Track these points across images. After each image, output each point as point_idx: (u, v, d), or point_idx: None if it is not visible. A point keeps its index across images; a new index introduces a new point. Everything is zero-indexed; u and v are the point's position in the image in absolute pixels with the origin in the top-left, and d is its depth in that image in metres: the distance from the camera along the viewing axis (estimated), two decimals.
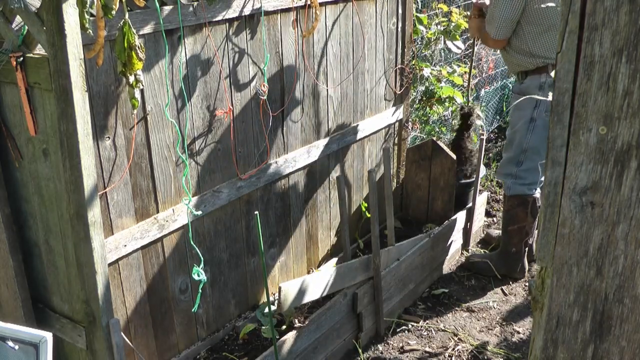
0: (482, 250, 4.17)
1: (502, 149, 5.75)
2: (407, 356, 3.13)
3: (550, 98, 2.97)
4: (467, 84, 4.45)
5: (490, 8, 3.50)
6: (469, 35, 4.20)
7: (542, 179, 3.57)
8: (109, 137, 2.33)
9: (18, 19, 2.04)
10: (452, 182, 4.13)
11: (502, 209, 4.78)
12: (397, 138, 4.20)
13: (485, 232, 4.36)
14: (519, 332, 3.35)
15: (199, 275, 2.75)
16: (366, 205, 3.95)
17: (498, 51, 6.39)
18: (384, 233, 3.66)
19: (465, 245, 4.11)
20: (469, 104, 4.37)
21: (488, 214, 4.66)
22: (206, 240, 2.89)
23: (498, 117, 6.38)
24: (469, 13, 4.25)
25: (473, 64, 4.53)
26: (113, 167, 2.37)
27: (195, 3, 2.52)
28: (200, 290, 2.84)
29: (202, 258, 2.85)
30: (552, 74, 3.46)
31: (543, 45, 3.40)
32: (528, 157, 3.58)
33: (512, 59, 3.57)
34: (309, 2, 3.04)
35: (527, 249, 3.82)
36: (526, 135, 3.56)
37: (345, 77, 3.52)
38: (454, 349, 3.18)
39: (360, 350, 3.09)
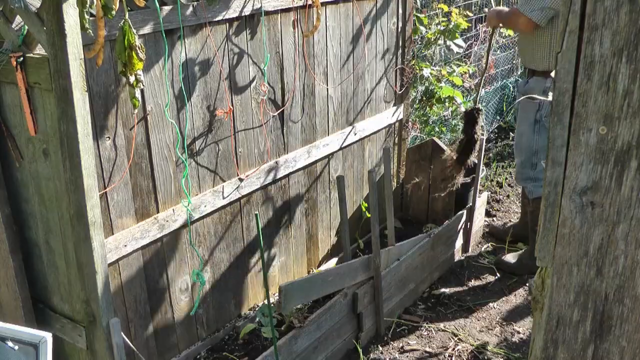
0: (497, 248, 4.18)
1: (502, 149, 5.77)
2: (407, 356, 3.13)
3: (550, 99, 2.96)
4: (477, 82, 4.26)
5: None
6: (486, 27, 4.00)
7: None
8: (109, 137, 2.33)
9: (18, 19, 2.04)
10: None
11: (501, 209, 4.78)
12: (397, 138, 4.20)
13: (490, 226, 4.39)
14: (519, 332, 3.35)
15: (198, 277, 2.76)
16: (366, 205, 3.95)
17: (499, 50, 6.39)
18: (384, 233, 3.66)
19: (465, 245, 4.11)
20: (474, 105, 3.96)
21: (488, 214, 4.66)
22: (206, 240, 2.89)
23: (498, 117, 6.38)
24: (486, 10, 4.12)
25: (473, 64, 4.53)
26: (113, 167, 2.37)
27: (195, 3, 2.52)
28: (199, 293, 2.84)
29: (201, 259, 2.85)
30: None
31: None
32: (540, 158, 3.58)
33: (530, 51, 3.53)
34: (309, 2, 3.04)
35: None
36: (533, 137, 3.57)
37: (346, 77, 3.52)
38: (454, 349, 3.18)
39: (360, 350, 3.09)
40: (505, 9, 3.73)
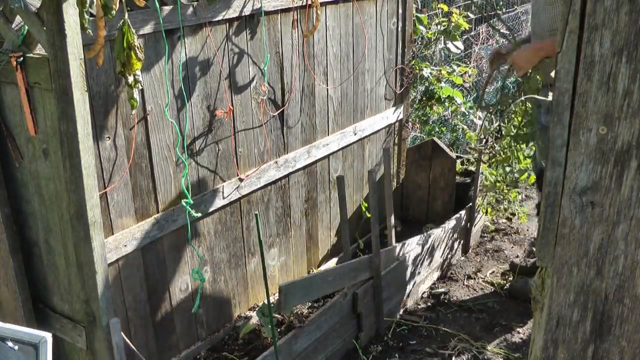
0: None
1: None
2: (407, 356, 3.13)
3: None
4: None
5: (553, 21, 2.92)
6: (517, 73, 3.22)
7: None
8: (109, 137, 2.33)
9: (18, 19, 2.03)
10: (452, 182, 4.13)
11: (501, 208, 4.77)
12: (397, 138, 4.20)
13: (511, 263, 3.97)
14: (519, 332, 3.35)
15: (198, 277, 2.75)
16: (366, 205, 3.95)
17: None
18: (384, 233, 3.66)
19: (465, 245, 4.11)
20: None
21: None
22: (206, 240, 2.88)
23: (498, 117, 6.37)
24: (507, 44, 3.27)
25: (474, 64, 4.52)
26: (113, 167, 2.37)
27: (195, 3, 2.52)
28: (199, 292, 2.84)
29: (201, 259, 2.85)
30: None
31: None
32: None
33: None
34: (309, 2, 3.04)
35: None
36: None
37: (346, 77, 3.52)
38: (454, 349, 3.18)
39: (360, 351, 3.09)
40: (531, 43, 3.06)
